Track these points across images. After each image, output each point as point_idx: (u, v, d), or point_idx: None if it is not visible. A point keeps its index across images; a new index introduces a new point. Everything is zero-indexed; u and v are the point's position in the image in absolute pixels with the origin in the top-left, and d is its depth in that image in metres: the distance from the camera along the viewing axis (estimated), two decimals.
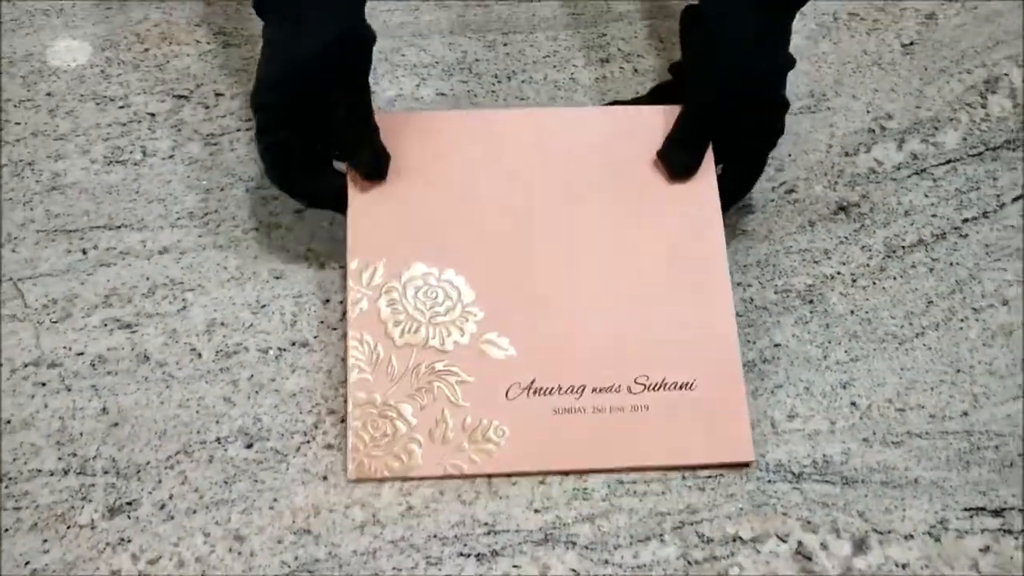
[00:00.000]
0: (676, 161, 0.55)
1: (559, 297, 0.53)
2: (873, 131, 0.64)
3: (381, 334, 0.52)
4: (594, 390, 0.52)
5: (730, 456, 0.52)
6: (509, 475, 0.51)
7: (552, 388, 0.52)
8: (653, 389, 0.52)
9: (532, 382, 0.52)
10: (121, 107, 0.62)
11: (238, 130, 0.61)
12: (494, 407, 0.51)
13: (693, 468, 0.52)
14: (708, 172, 0.56)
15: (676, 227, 0.55)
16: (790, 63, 0.55)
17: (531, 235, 0.54)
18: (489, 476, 0.51)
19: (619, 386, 0.52)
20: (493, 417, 0.51)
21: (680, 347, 0.53)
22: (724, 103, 0.54)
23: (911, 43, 0.67)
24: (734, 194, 0.57)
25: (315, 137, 0.52)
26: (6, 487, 0.50)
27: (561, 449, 0.51)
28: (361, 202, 0.54)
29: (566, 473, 0.52)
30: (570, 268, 0.54)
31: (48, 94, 0.62)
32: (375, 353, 0.52)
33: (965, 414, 0.55)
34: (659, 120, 0.57)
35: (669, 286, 0.54)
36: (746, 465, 0.52)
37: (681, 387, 0.52)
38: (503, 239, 0.54)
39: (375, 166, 0.54)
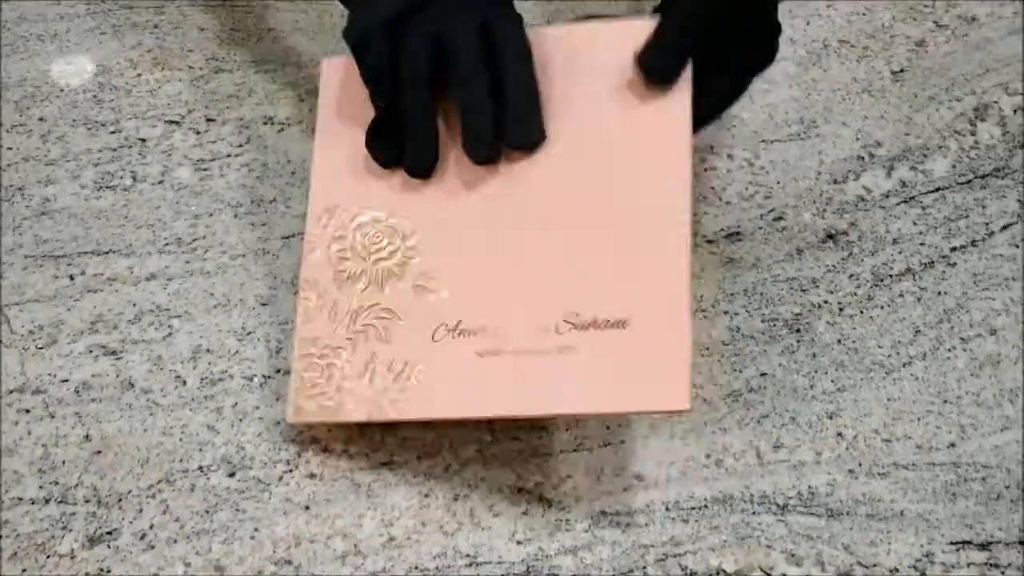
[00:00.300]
0: (654, 65, 0.50)
1: (502, 233, 0.50)
2: (862, 158, 0.64)
3: (329, 279, 0.52)
4: (521, 332, 0.48)
5: (661, 404, 0.47)
6: (428, 422, 0.51)
7: (476, 329, 0.49)
8: (582, 328, 0.47)
9: (458, 324, 0.49)
10: (112, 132, 0.62)
11: (228, 155, 0.62)
12: (419, 350, 0.49)
13: (623, 415, 0.51)
14: (683, 90, 0.50)
15: (637, 150, 0.50)
16: None
17: (484, 169, 0.51)
18: (410, 422, 0.51)
19: (546, 326, 0.48)
20: (417, 360, 0.49)
21: (619, 282, 0.48)
22: (710, 7, 0.49)
23: (901, 70, 0.67)
24: (711, 111, 0.53)
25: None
26: None
27: (482, 395, 0.48)
28: (324, 150, 0.55)
29: (485, 421, 0.51)
30: (519, 201, 0.50)
31: (40, 119, 0.62)
32: (322, 298, 0.52)
33: (952, 445, 0.55)
34: (633, 34, 0.50)
35: (620, 216, 0.49)
36: (680, 413, 0.49)
37: (613, 325, 0.47)
38: (454, 176, 0.52)
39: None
